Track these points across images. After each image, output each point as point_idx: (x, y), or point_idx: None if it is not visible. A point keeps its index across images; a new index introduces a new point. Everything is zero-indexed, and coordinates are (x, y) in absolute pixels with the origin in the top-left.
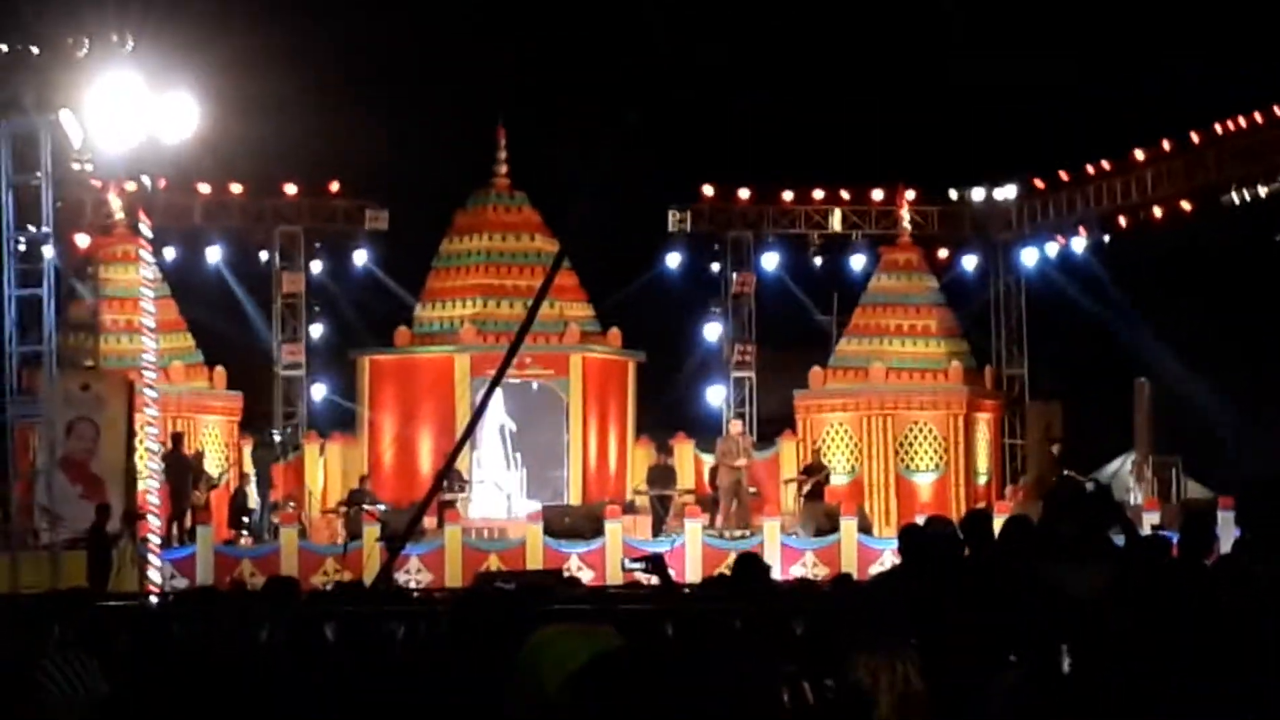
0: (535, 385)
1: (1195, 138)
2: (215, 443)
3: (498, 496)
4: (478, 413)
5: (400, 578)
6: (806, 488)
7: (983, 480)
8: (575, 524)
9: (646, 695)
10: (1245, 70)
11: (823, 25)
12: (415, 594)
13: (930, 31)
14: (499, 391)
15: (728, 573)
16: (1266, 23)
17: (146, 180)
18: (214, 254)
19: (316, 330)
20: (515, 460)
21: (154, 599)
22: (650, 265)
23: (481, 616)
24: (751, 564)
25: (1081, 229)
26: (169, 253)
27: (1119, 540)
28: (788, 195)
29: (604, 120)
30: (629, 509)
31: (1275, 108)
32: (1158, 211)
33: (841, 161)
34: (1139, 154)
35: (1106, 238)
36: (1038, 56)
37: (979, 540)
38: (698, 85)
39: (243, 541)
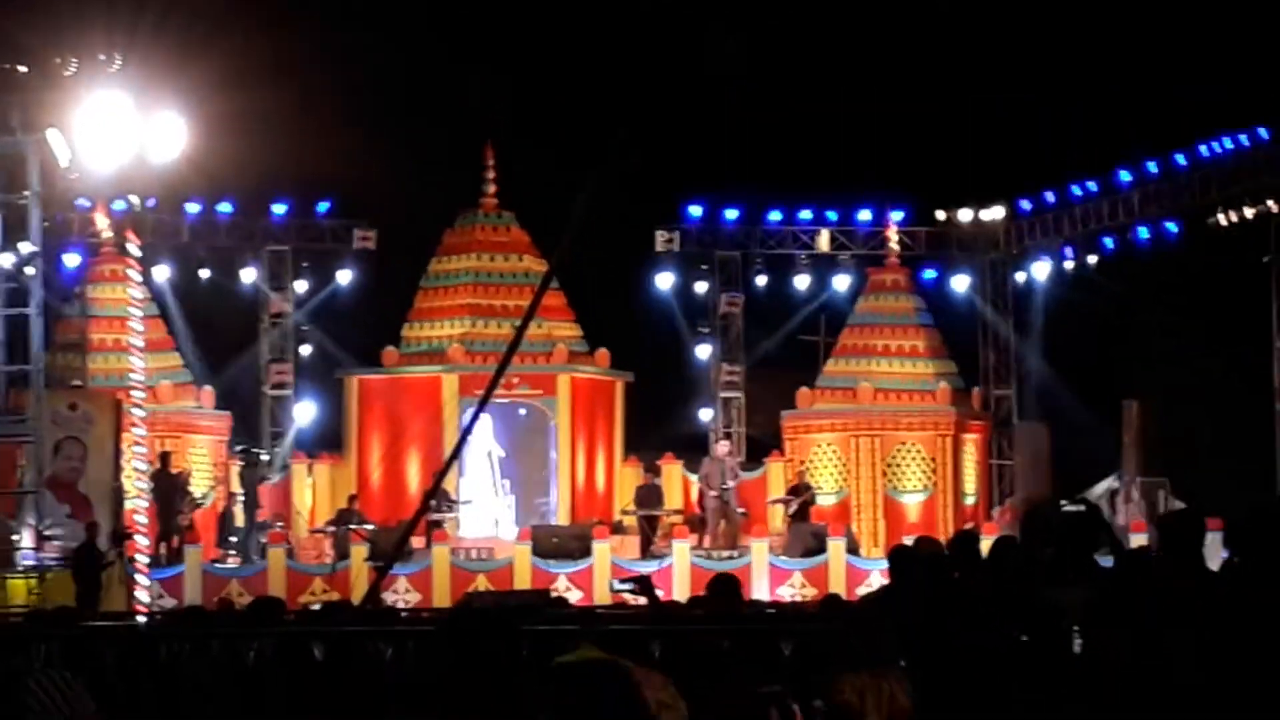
0: (523, 410)
1: (1181, 159)
2: (203, 462)
3: (485, 517)
4: (465, 432)
5: (388, 598)
6: (792, 509)
7: (970, 501)
8: (563, 544)
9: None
10: (1231, 91)
11: (812, 50)
12: (403, 614)
13: (918, 54)
14: (485, 416)
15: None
16: (1252, 44)
17: (134, 199)
18: (201, 273)
19: (304, 350)
20: (503, 487)
21: (142, 619)
22: (638, 285)
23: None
24: (726, 584)
25: (1068, 250)
26: (157, 272)
27: (1107, 562)
28: (775, 216)
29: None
30: (617, 529)
31: (1261, 129)
32: (1144, 233)
33: (829, 182)
34: (1125, 175)
35: (1093, 259)
36: (1025, 78)
37: (968, 561)
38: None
39: (230, 561)
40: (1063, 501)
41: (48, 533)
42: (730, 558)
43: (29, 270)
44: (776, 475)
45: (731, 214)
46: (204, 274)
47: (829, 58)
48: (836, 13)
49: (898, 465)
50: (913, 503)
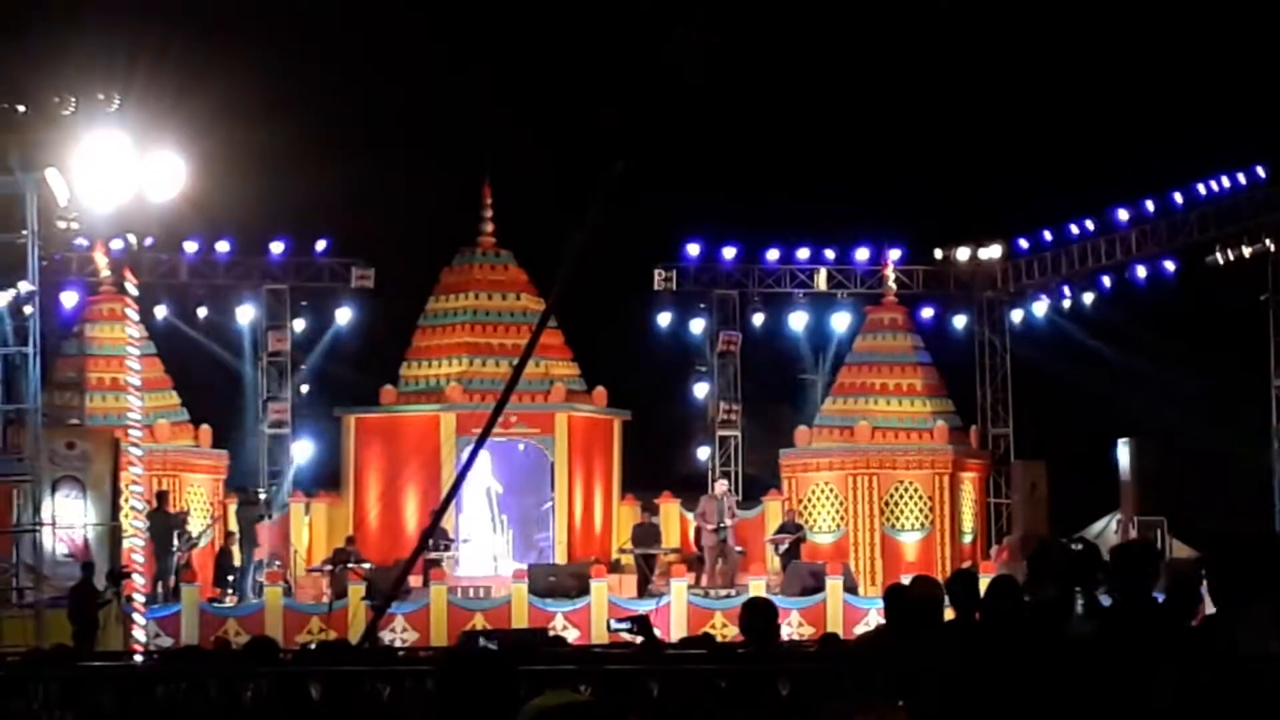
0: (521, 447)
1: (1179, 198)
2: (200, 501)
3: (484, 555)
4: (464, 470)
5: (386, 637)
6: (783, 547)
7: (968, 539)
8: (560, 583)
9: None
10: (1228, 130)
11: (808, 88)
12: (401, 653)
13: (915, 92)
14: (484, 452)
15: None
16: (1247, 85)
17: (133, 239)
18: (200, 312)
19: (302, 388)
20: (501, 524)
21: (139, 658)
22: (636, 324)
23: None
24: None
25: (1066, 289)
26: (155, 311)
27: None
28: (773, 254)
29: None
30: (614, 568)
31: (1258, 167)
32: (1141, 271)
33: (827, 221)
34: (1122, 214)
35: (1090, 297)
36: (1023, 117)
37: (966, 600)
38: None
39: (228, 600)
40: (1072, 540)
41: (45, 572)
42: (728, 596)
43: (27, 309)
44: (774, 514)
45: (729, 253)
46: (202, 313)
47: (828, 95)
48: (837, 51)
49: (895, 504)
50: (910, 541)
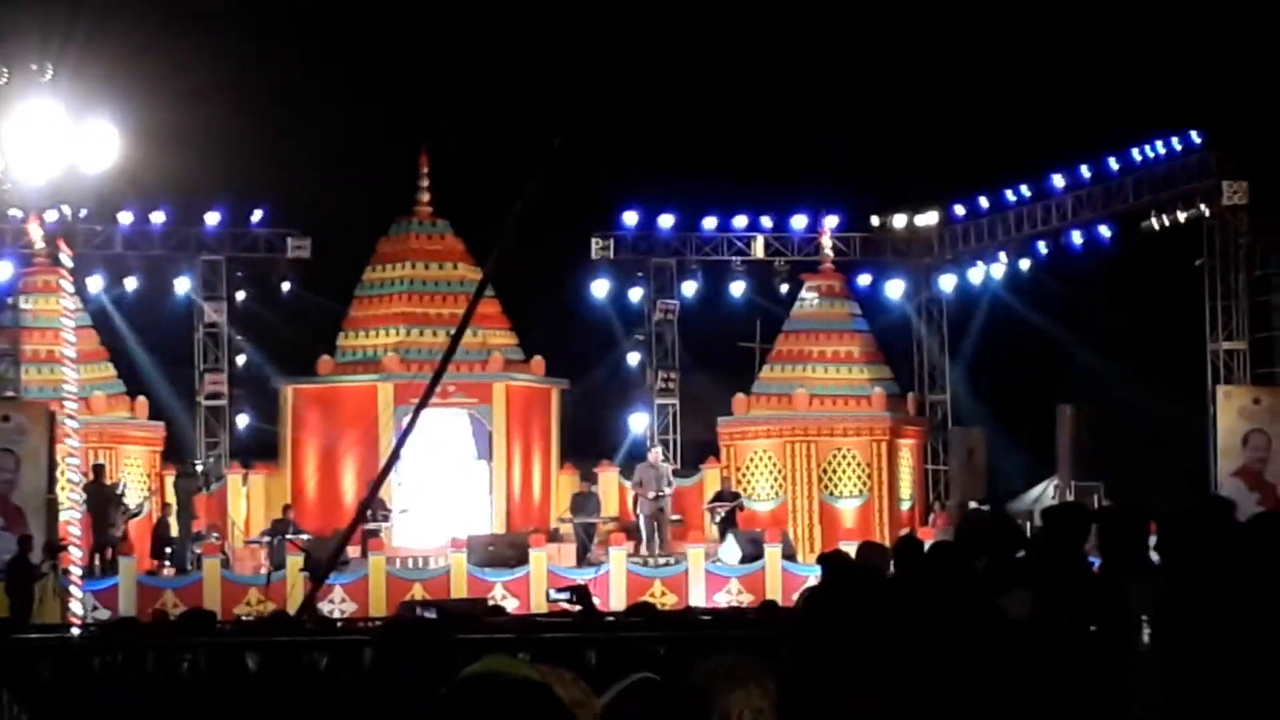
0: (458, 417)
1: (1114, 163)
2: (137, 473)
3: (421, 525)
4: (401, 440)
5: (324, 607)
6: (719, 515)
7: (906, 506)
8: (500, 552)
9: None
10: (1161, 97)
11: (749, 53)
12: (339, 624)
13: (853, 60)
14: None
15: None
16: (1181, 51)
17: (67, 210)
18: (135, 283)
19: (239, 359)
20: (438, 495)
21: (76, 630)
22: (573, 293)
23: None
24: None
25: (1002, 255)
26: (90, 282)
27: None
28: (710, 222)
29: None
30: (553, 537)
31: (1192, 132)
32: (1077, 237)
33: (764, 189)
34: (1058, 180)
35: (1027, 264)
36: (957, 82)
37: (912, 566)
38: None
39: (165, 572)
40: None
41: None
42: (667, 564)
43: None
44: (712, 481)
45: (666, 221)
46: (137, 284)
47: (766, 61)
48: (778, 14)
49: (833, 471)
50: (849, 508)
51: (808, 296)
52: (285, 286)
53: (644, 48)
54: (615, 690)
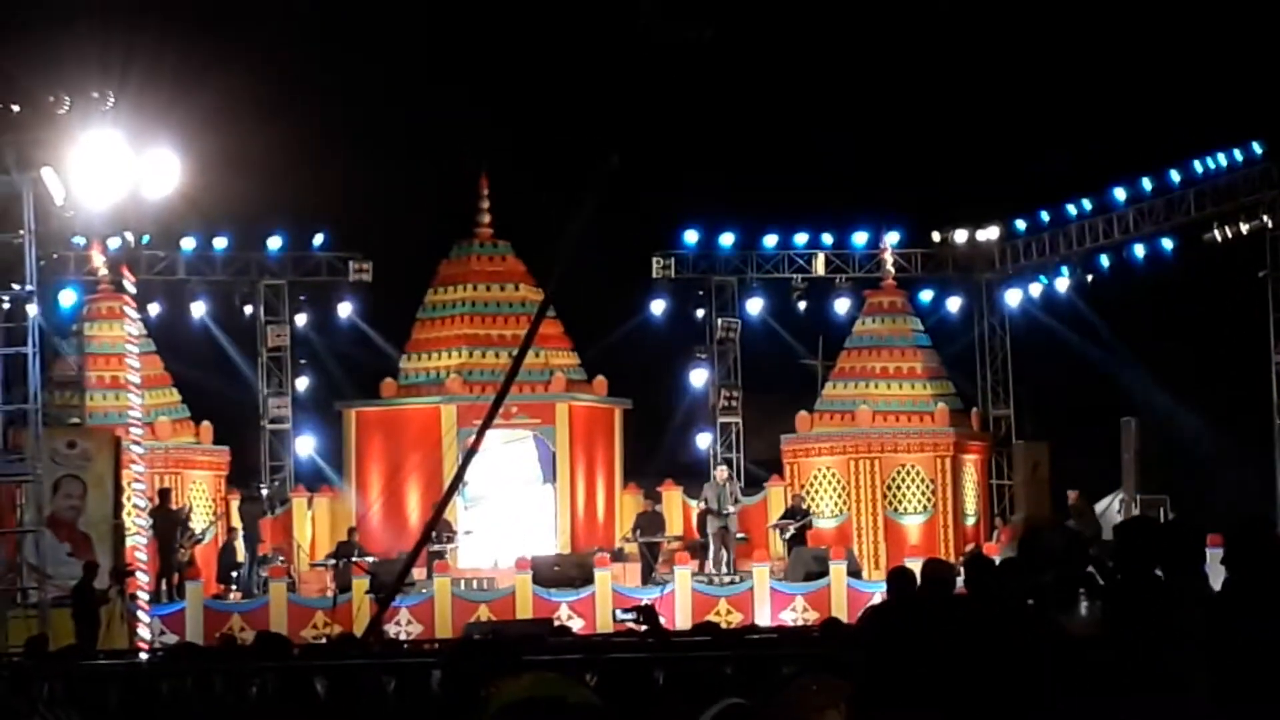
0: (522, 438)
1: (1175, 176)
2: (203, 497)
3: (486, 547)
4: (465, 462)
5: (390, 630)
6: (789, 533)
7: (971, 521)
8: (564, 573)
9: None
10: (1223, 108)
11: (805, 72)
12: (406, 646)
13: (911, 74)
14: (485, 443)
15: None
16: (1243, 62)
17: (129, 236)
18: (198, 308)
19: (302, 383)
20: (503, 516)
21: (143, 655)
22: (635, 312)
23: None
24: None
25: (1064, 269)
26: (153, 308)
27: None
28: (771, 240)
29: (586, 165)
30: (618, 557)
31: (1254, 143)
32: (1139, 250)
33: (824, 206)
34: (1119, 193)
35: (1089, 277)
36: (1020, 97)
37: (982, 583)
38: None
39: (232, 597)
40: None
41: (49, 571)
42: (732, 582)
43: (28, 309)
44: (777, 499)
45: (727, 239)
46: (201, 309)
47: (827, 77)
48: (835, 31)
49: (898, 487)
50: (913, 524)
51: (870, 313)
52: (347, 309)
53: (685, 44)
54: (706, 717)
